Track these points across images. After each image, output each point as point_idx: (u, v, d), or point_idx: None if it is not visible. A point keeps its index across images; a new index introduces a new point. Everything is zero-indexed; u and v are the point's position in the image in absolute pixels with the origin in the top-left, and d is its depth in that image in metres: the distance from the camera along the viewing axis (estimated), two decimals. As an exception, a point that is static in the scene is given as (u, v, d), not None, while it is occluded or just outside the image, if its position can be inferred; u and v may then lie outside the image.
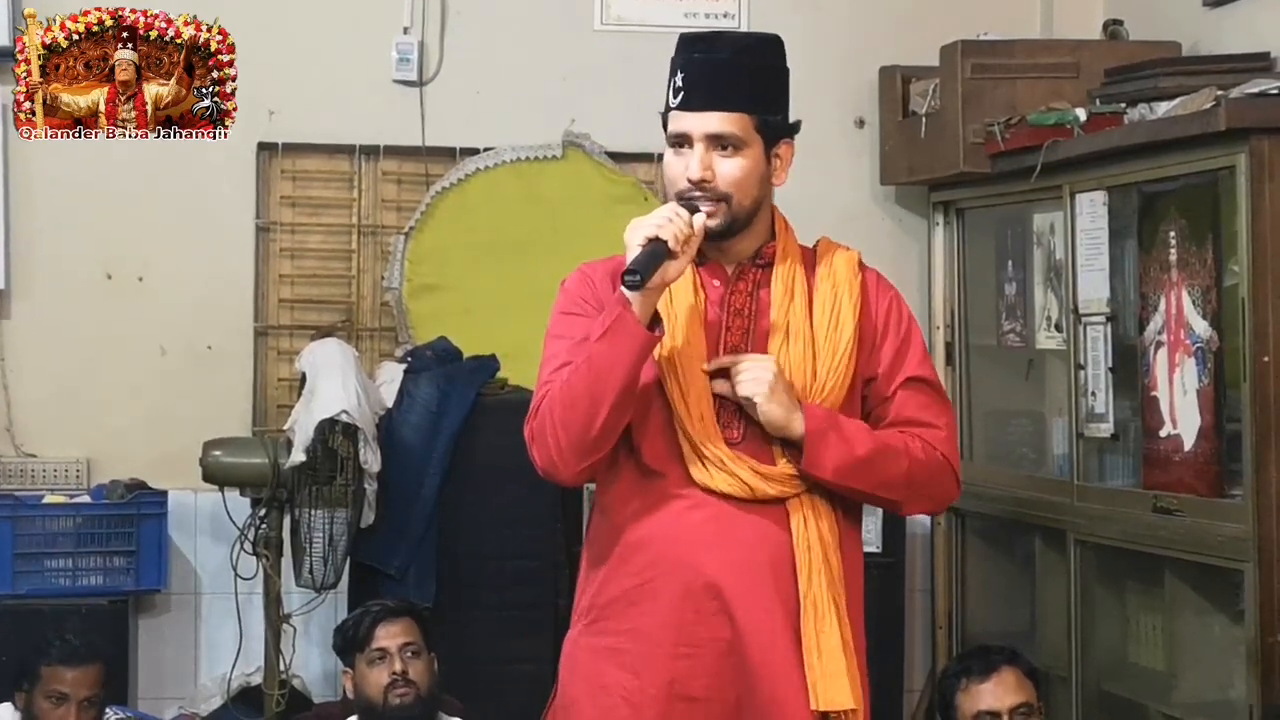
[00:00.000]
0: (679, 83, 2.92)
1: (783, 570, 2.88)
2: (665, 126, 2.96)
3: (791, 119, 3.03)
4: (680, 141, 2.91)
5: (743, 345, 2.92)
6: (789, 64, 5.45)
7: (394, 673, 4.01)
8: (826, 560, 2.90)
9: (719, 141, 2.89)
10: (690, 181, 2.87)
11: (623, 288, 2.77)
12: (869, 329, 2.98)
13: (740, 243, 2.95)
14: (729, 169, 2.89)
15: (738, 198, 2.90)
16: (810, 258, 3.03)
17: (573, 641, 3.00)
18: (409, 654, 4.04)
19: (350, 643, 4.09)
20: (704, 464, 2.86)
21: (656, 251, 2.76)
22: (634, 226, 2.80)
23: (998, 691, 3.77)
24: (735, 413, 2.90)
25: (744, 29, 5.26)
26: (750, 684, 2.85)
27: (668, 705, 2.85)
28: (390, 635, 4.05)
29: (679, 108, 2.91)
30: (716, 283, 2.96)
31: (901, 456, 2.93)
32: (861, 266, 3.05)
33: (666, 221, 2.78)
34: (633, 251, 2.77)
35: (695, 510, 2.87)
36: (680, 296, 2.90)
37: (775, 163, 2.98)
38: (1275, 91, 3.90)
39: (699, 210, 2.84)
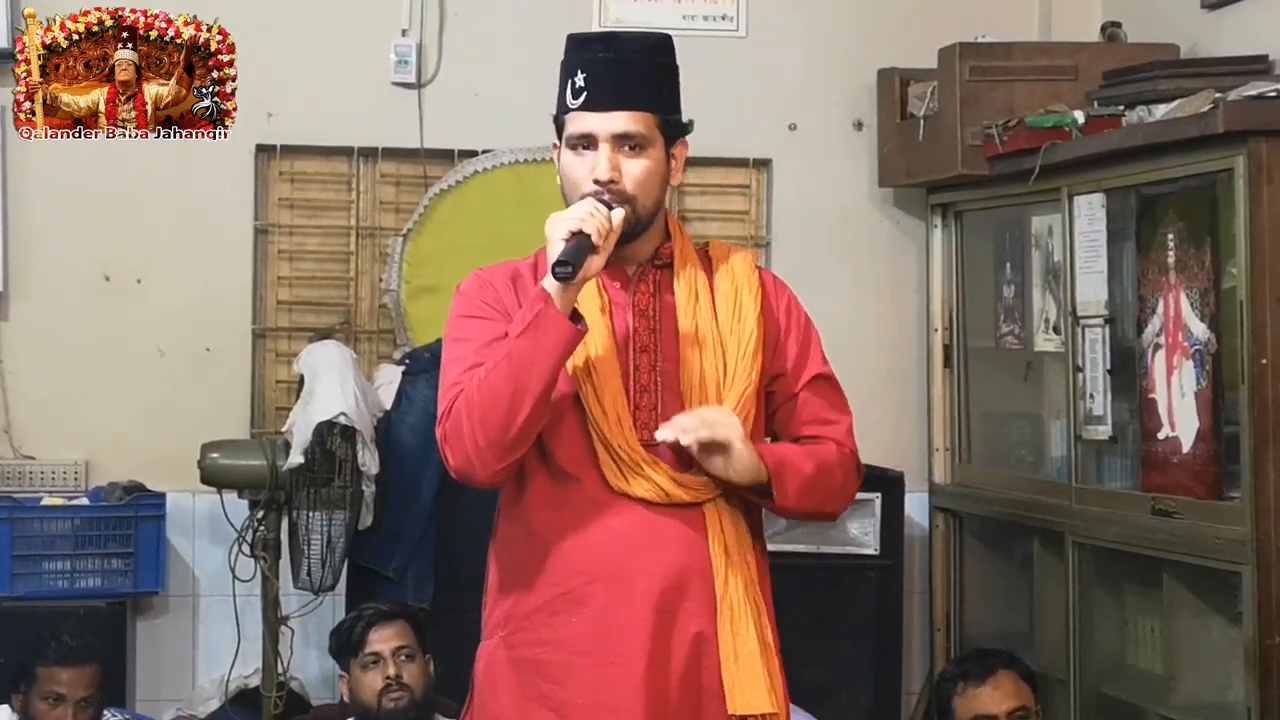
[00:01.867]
0: (580, 82, 2.89)
1: (705, 575, 2.87)
2: (559, 128, 2.94)
3: (689, 119, 3.00)
4: (583, 143, 2.89)
5: (651, 345, 2.91)
6: (788, 66, 5.49)
7: (388, 677, 4.01)
8: (744, 562, 2.90)
9: (625, 141, 2.87)
10: (598, 183, 2.85)
11: (548, 281, 2.75)
12: (771, 324, 2.99)
13: (640, 245, 2.93)
14: (634, 169, 2.87)
15: (641, 198, 2.88)
16: (705, 259, 3.03)
17: (490, 653, 2.97)
18: (402, 657, 4.04)
19: (345, 647, 4.09)
20: (620, 468, 2.85)
21: (581, 245, 2.75)
22: (555, 221, 2.79)
23: (995, 695, 3.77)
24: (651, 414, 2.89)
25: (742, 31, 5.28)
26: (678, 690, 2.84)
27: (596, 714, 2.83)
28: (383, 639, 4.05)
29: (582, 108, 2.88)
30: (617, 284, 2.95)
31: (835, 468, 2.96)
32: (756, 267, 3.06)
33: (589, 215, 2.77)
34: (556, 245, 2.76)
35: (616, 516, 2.85)
36: (584, 299, 2.87)
37: (672, 163, 2.96)
38: (1273, 94, 3.91)
39: (614, 207, 2.82)
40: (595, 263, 2.77)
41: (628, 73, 2.89)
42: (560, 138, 2.94)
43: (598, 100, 2.87)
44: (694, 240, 3.06)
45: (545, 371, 2.74)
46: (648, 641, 2.83)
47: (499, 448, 2.78)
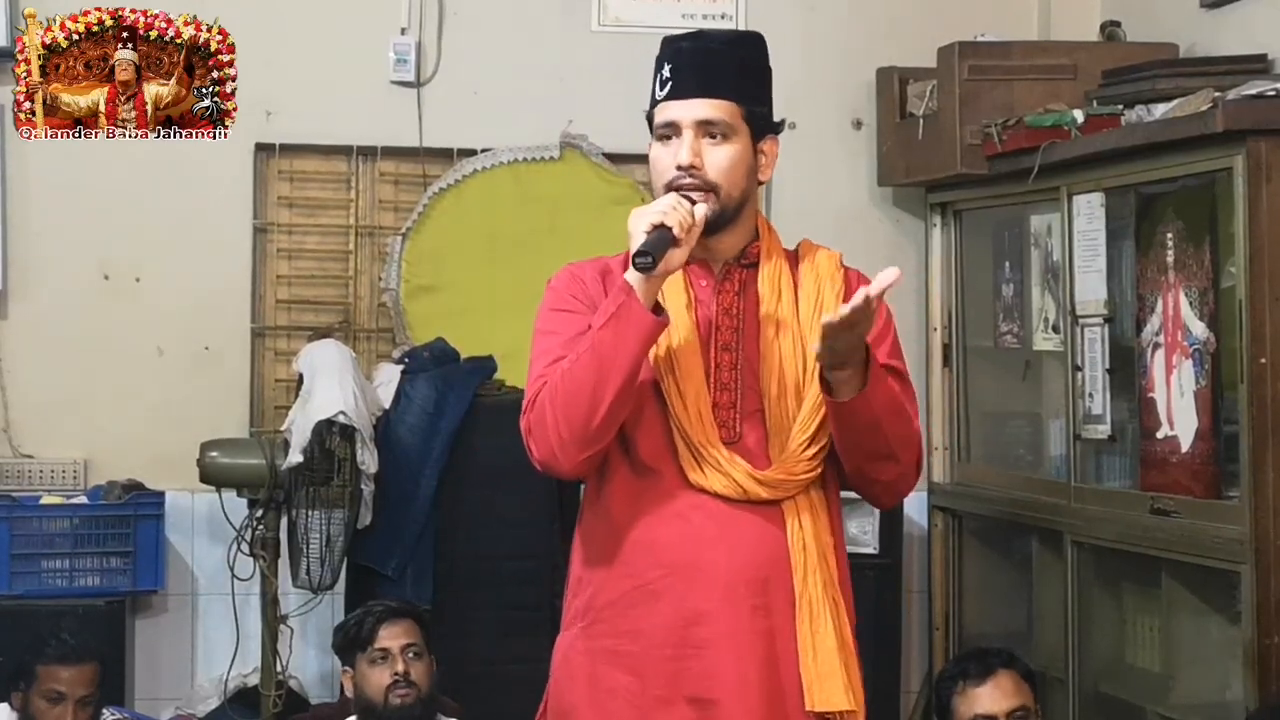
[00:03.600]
0: (666, 73, 2.91)
1: (782, 571, 2.88)
2: (651, 125, 2.95)
3: (781, 118, 3.00)
4: (668, 132, 2.90)
5: (734, 343, 2.92)
6: (787, 65, 5.45)
7: (396, 673, 4.01)
8: (823, 560, 2.90)
9: (708, 129, 2.88)
10: (679, 168, 2.86)
11: (629, 273, 2.77)
12: None
13: (726, 240, 2.94)
14: (718, 157, 2.88)
15: (726, 188, 2.89)
16: (792, 258, 3.03)
17: (568, 644, 2.98)
18: (411, 655, 4.04)
19: (352, 642, 4.09)
20: (699, 464, 2.86)
21: (663, 237, 2.76)
22: (638, 214, 2.80)
23: (995, 695, 3.76)
24: (731, 411, 2.90)
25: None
26: (753, 685, 2.85)
27: (673, 707, 2.84)
28: (393, 636, 4.05)
29: (668, 97, 2.90)
30: (704, 282, 2.95)
31: (911, 421, 2.91)
32: (843, 265, 3.05)
33: (670, 209, 2.78)
34: (638, 238, 2.76)
35: (695, 510, 2.87)
36: (670, 294, 2.89)
37: (761, 158, 2.96)
38: (1272, 93, 3.91)
39: (698, 202, 2.83)
40: (677, 256, 2.78)
41: (711, 62, 2.91)
42: (652, 132, 2.96)
43: (681, 89, 2.89)
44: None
45: (627, 363, 2.76)
46: (726, 635, 2.84)
47: (582, 439, 2.80)
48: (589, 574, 2.96)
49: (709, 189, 2.86)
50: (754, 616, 2.86)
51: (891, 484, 2.96)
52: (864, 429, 2.84)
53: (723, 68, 2.91)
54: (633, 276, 2.76)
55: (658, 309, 2.79)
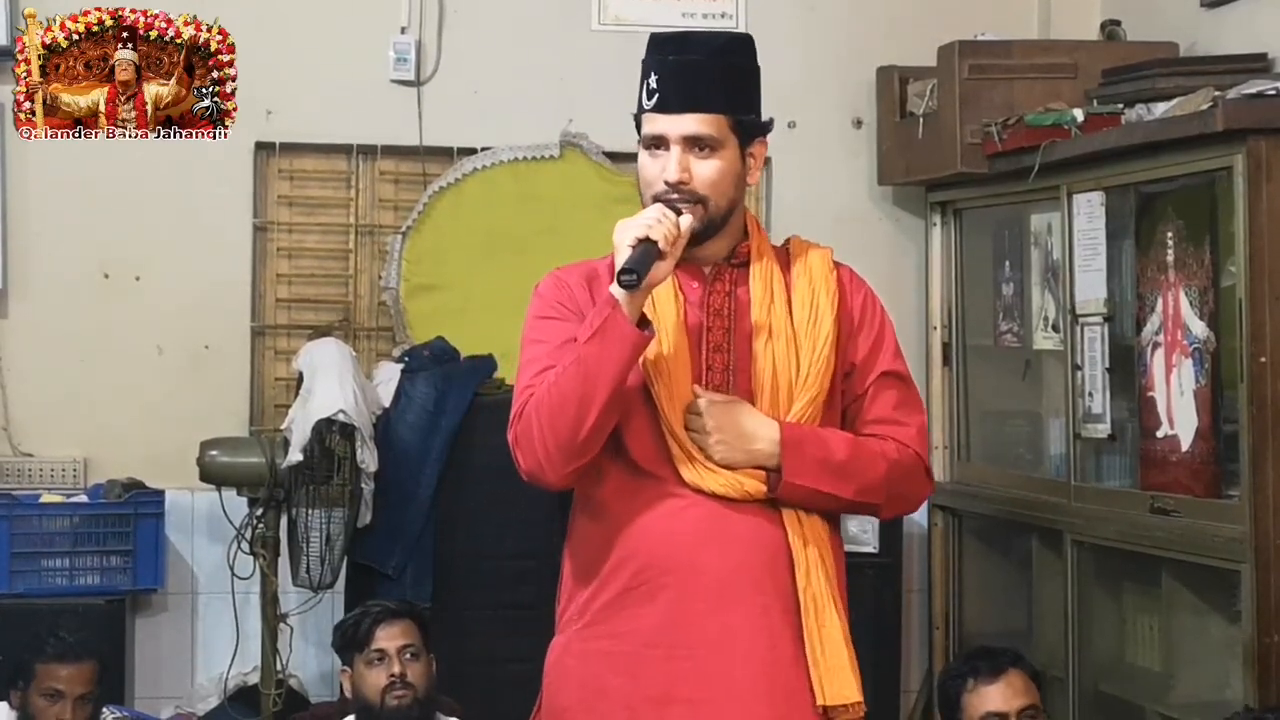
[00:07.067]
0: (653, 84, 2.91)
1: (779, 567, 2.88)
2: (638, 127, 2.95)
3: (769, 117, 3.01)
4: (656, 143, 2.91)
5: (725, 344, 2.93)
6: (787, 65, 5.48)
7: (392, 675, 4.01)
8: (822, 556, 2.91)
9: (695, 143, 2.88)
10: (667, 184, 2.87)
11: (615, 288, 2.77)
12: (845, 322, 2.99)
13: (716, 244, 2.95)
14: (706, 171, 2.89)
15: (714, 199, 2.90)
16: (783, 256, 3.04)
17: (562, 647, 2.98)
18: (407, 656, 4.04)
19: (349, 642, 4.09)
20: (693, 465, 2.86)
21: (648, 252, 2.76)
22: (623, 227, 2.81)
23: (1006, 693, 3.76)
24: None
25: (741, 29, 5.27)
26: (751, 683, 2.85)
27: (666, 708, 2.84)
28: (389, 637, 4.05)
29: (654, 110, 2.90)
30: (694, 284, 2.96)
31: (879, 460, 2.94)
32: (835, 263, 3.06)
33: (655, 222, 2.79)
34: (623, 252, 2.77)
35: (690, 510, 2.87)
36: (660, 299, 2.90)
37: (749, 162, 2.96)
38: (1272, 92, 3.91)
39: (683, 212, 2.84)
40: (663, 268, 2.79)
41: (698, 75, 2.90)
42: (639, 136, 2.96)
43: (668, 103, 2.89)
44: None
45: (611, 377, 2.76)
46: (719, 634, 2.84)
47: (568, 452, 2.81)
48: (584, 577, 2.95)
49: (698, 202, 2.87)
50: (750, 616, 2.85)
51: (880, 510, 3.07)
52: (808, 501, 2.91)
53: (709, 80, 2.90)
54: (618, 291, 2.77)
55: (643, 321, 2.80)
